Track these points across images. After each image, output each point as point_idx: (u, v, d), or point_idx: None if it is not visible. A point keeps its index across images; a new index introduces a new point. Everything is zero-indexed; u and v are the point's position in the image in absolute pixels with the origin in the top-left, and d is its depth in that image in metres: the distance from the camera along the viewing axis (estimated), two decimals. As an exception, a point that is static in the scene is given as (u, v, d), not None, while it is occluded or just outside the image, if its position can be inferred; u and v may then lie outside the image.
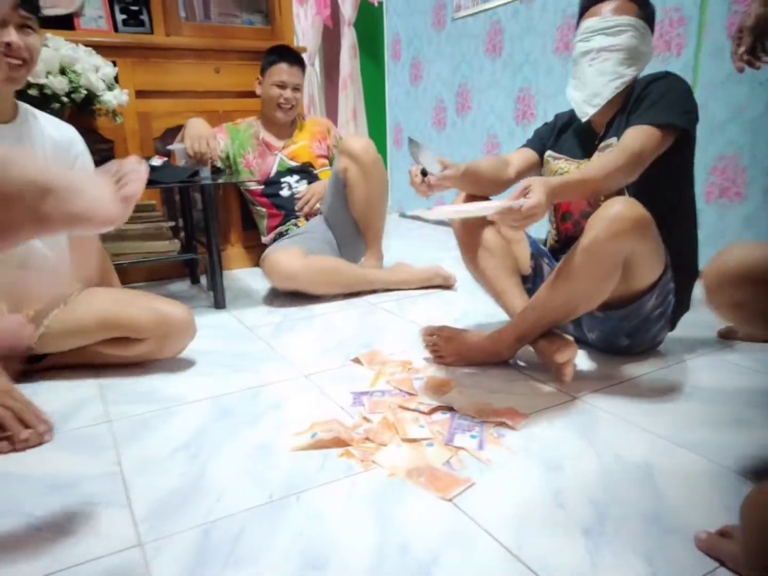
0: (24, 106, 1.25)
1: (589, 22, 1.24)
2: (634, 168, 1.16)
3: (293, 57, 2.11)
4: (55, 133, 1.28)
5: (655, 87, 1.22)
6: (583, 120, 1.30)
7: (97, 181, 0.71)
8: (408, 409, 1.11)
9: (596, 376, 1.25)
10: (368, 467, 0.93)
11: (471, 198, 1.36)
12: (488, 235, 1.35)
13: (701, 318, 1.41)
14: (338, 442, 1.00)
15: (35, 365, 1.32)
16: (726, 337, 1.43)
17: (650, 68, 1.29)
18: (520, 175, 1.40)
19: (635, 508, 0.82)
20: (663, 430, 1.02)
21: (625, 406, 1.12)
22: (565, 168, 1.35)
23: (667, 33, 1.94)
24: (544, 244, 1.48)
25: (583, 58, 1.26)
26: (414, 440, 1.01)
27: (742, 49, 1.18)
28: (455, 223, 1.40)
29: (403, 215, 3.61)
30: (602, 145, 1.29)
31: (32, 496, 0.88)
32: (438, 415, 1.09)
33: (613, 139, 1.26)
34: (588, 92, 1.26)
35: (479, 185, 1.34)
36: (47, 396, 1.22)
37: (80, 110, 1.74)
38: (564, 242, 1.38)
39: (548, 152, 1.41)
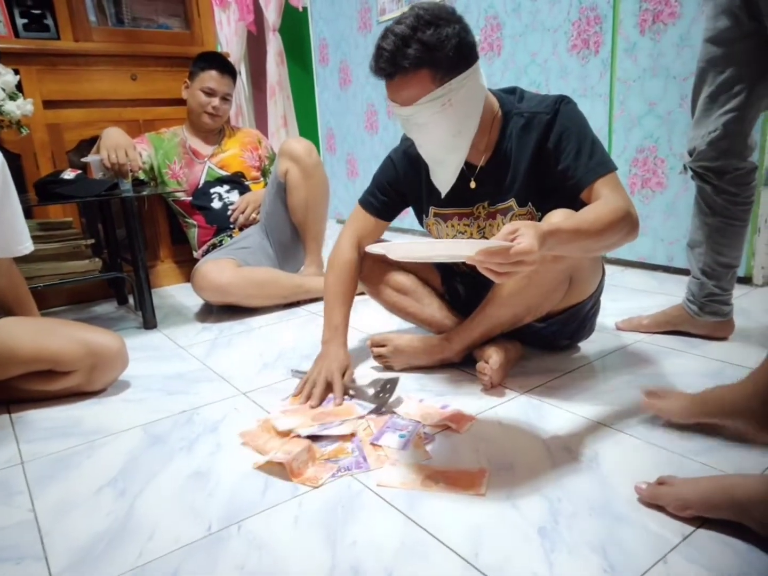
0: None
1: (392, 103, 1.03)
2: (633, 228, 0.97)
3: (225, 66, 2.02)
4: None
5: (566, 126, 1.05)
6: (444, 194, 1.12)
7: None
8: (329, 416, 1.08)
9: (538, 370, 1.25)
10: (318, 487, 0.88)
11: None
12: (398, 277, 1.32)
13: (635, 306, 1.44)
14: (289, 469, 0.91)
15: None
16: (623, 329, 1.46)
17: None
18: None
19: (586, 499, 0.81)
20: (606, 418, 1.03)
21: (568, 397, 1.12)
22: (464, 231, 1.20)
23: (585, 31, 2.01)
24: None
25: (406, 127, 1.06)
26: (284, 433, 1.01)
27: None
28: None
29: (339, 222, 3.57)
30: (502, 206, 1.14)
31: (-71, 558, 0.77)
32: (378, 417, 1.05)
33: (511, 201, 1.12)
34: (431, 163, 1.10)
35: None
36: (-51, 440, 1.09)
37: (-22, 122, 1.59)
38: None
39: (433, 210, 1.22)
